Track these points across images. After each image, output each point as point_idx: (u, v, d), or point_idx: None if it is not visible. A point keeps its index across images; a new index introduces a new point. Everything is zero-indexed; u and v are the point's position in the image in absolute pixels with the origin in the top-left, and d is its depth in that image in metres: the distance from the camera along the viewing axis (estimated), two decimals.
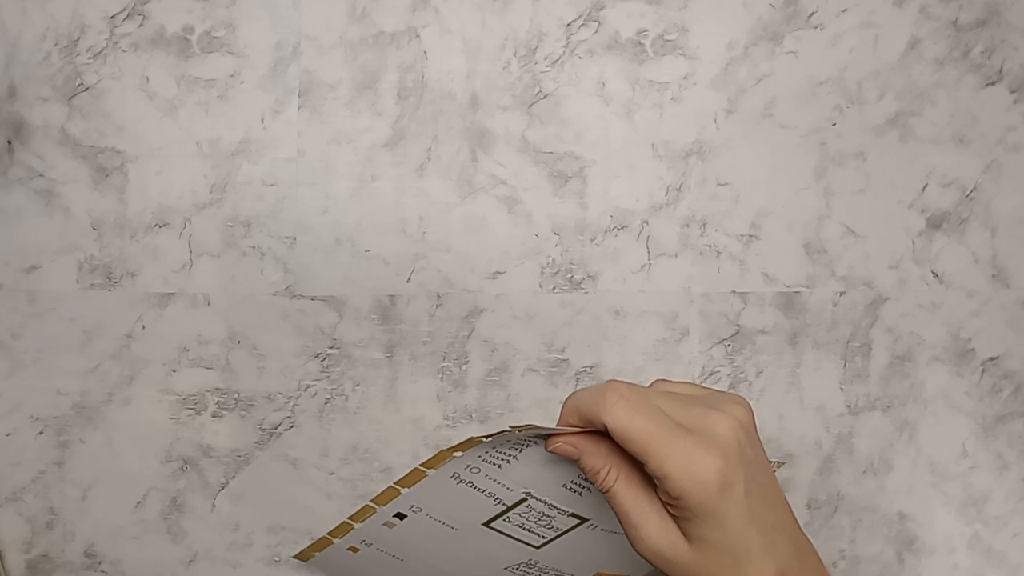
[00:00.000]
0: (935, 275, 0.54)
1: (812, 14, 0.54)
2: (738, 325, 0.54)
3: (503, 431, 0.37)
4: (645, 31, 0.54)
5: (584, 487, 0.41)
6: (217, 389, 0.54)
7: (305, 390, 0.54)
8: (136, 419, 0.53)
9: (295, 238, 0.54)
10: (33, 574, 0.54)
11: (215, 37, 0.54)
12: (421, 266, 0.54)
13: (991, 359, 0.54)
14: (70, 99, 0.54)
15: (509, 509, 0.42)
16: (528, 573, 0.46)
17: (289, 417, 0.54)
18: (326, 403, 0.54)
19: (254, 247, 0.54)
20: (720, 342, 0.54)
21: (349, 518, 0.46)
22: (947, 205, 0.55)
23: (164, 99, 0.54)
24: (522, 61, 0.54)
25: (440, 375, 0.54)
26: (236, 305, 0.54)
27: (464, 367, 0.54)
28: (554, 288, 0.54)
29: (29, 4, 0.54)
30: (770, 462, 0.38)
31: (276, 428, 0.54)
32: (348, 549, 0.48)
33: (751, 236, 0.54)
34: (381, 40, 0.54)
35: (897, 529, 0.54)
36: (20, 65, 0.54)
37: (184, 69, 0.54)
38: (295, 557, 0.51)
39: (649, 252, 0.54)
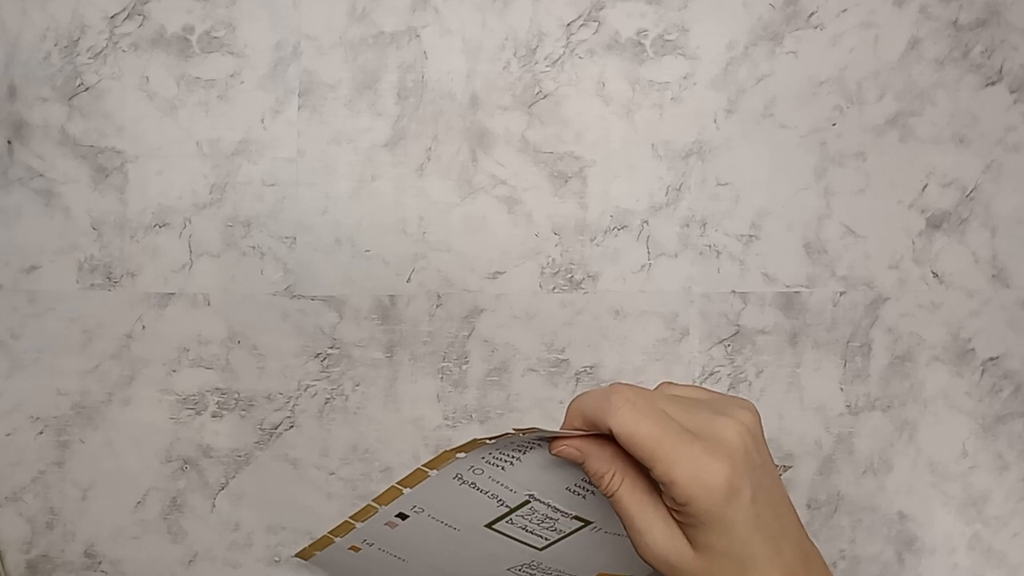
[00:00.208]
0: (935, 275, 0.54)
1: (812, 14, 0.54)
2: (738, 325, 0.54)
3: (507, 433, 0.37)
4: (645, 31, 0.54)
5: (588, 490, 0.41)
6: (217, 389, 0.54)
7: (305, 390, 0.54)
8: (136, 419, 0.53)
9: (295, 238, 0.54)
10: (33, 574, 0.54)
11: (215, 37, 0.54)
12: (421, 266, 0.54)
13: (991, 359, 0.54)
14: (70, 99, 0.54)
15: (512, 511, 0.42)
16: (531, 574, 0.46)
17: (289, 417, 0.54)
18: (326, 403, 0.54)
19: (254, 247, 0.54)
20: (720, 342, 0.54)
21: (351, 517, 0.46)
22: (947, 205, 0.55)
23: (164, 99, 0.54)
24: (522, 61, 0.54)
25: (440, 375, 0.54)
26: (236, 305, 0.54)
27: (464, 367, 0.54)
28: (554, 288, 0.54)
29: (29, 4, 0.54)
30: (776, 466, 0.38)
31: (276, 428, 0.54)
32: (349, 548, 0.48)
33: (751, 236, 0.54)
34: (381, 40, 0.54)
35: (897, 529, 0.54)
36: (20, 65, 0.54)
37: (184, 69, 0.54)
38: (296, 556, 0.51)
39: (649, 252, 0.54)
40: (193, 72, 0.54)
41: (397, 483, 0.42)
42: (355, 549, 0.47)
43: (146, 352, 0.53)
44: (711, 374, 0.54)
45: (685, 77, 0.54)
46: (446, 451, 0.39)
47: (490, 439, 0.37)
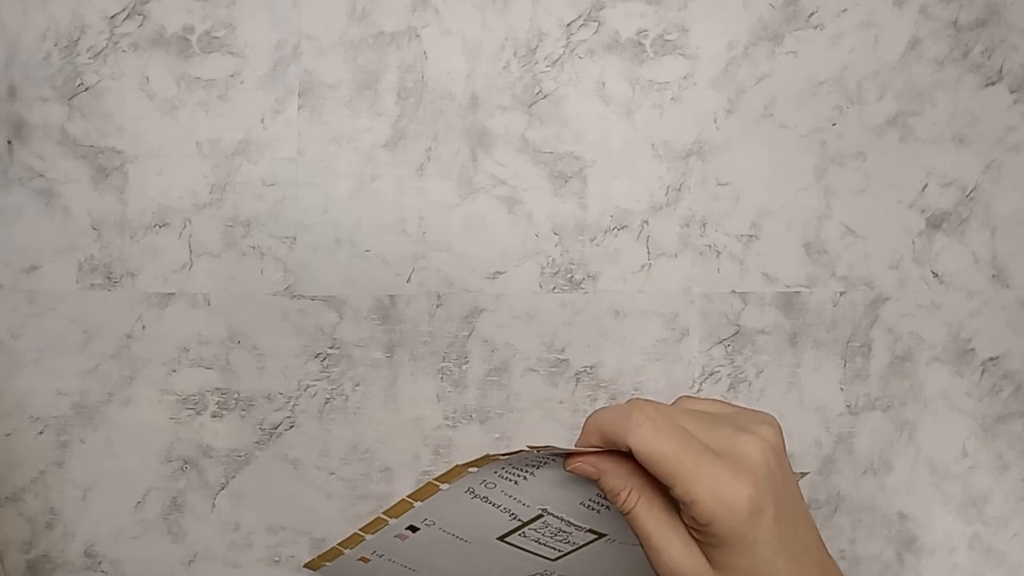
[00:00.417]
0: (935, 275, 0.54)
1: (812, 14, 0.54)
2: (738, 325, 0.54)
3: (520, 451, 0.36)
4: (645, 31, 0.54)
5: (603, 505, 0.40)
6: (217, 389, 0.54)
7: (305, 390, 0.54)
8: (136, 419, 0.53)
9: (295, 238, 0.54)
10: (33, 574, 0.54)
11: (215, 37, 0.54)
12: (421, 266, 0.54)
13: (991, 359, 0.54)
14: (70, 99, 0.54)
15: (525, 524, 0.41)
16: None
17: (289, 417, 0.54)
18: (326, 403, 0.54)
19: (254, 247, 0.54)
20: (720, 342, 0.54)
21: (360, 529, 0.45)
22: (947, 205, 0.55)
23: (164, 99, 0.54)
24: (522, 61, 0.54)
25: (440, 375, 0.54)
26: (236, 305, 0.54)
27: (464, 367, 0.54)
28: (554, 288, 0.54)
29: (29, 4, 0.54)
30: (794, 473, 0.37)
31: (276, 428, 0.54)
32: (359, 559, 0.47)
33: (751, 236, 0.54)
34: (381, 40, 0.54)
35: (897, 529, 0.54)
36: (20, 65, 0.54)
37: (184, 69, 0.54)
38: (305, 567, 0.51)
39: (649, 252, 0.54)
40: (193, 72, 0.54)
41: (408, 496, 0.41)
42: (364, 560, 0.47)
43: (146, 352, 0.53)
44: (711, 374, 0.54)
45: (685, 77, 0.54)
46: (458, 465, 0.38)
47: (503, 455, 0.36)
